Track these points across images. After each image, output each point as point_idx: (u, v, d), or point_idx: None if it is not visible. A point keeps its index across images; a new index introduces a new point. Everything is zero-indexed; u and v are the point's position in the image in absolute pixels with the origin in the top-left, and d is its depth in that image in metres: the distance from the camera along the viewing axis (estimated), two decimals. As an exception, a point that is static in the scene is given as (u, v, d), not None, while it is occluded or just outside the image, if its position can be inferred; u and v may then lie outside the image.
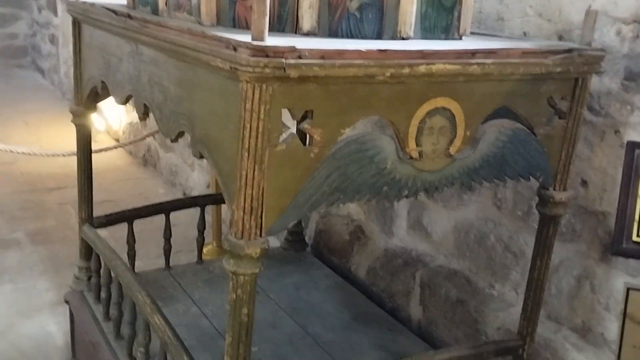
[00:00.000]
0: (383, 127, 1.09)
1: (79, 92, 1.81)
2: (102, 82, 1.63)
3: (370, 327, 1.90)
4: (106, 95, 1.68)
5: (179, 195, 3.84)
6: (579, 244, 1.55)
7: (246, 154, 0.96)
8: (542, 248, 1.41)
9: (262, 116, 0.95)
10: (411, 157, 1.13)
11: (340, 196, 1.08)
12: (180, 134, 1.24)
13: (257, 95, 0.94)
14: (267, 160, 0.98)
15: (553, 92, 1.28)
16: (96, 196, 3.49)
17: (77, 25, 1.76)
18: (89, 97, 1.78)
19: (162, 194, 3.97)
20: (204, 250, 2.91)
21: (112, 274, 1.77)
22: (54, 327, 2.34)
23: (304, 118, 1.01)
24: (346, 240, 2.28)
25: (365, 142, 1.07)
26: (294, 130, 1.03)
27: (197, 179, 3.61)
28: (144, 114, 1.40)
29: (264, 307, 1.96)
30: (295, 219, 1.06)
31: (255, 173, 0.97)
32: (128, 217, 2.02)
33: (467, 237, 1.84)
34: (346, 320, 1.93)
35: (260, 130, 0.95)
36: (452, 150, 1.18)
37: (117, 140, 4.93)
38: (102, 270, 1.80)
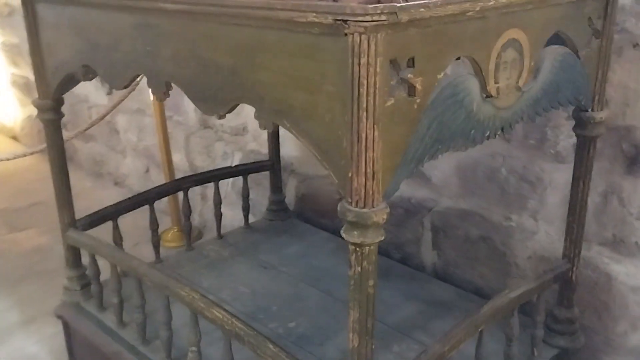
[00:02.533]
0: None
1: (44, 82, 1.59)
2: (85, 66, 1.44)
3: (392, 280, 1.87)
4: (88, 79, 1.49)
5: (110, 186, 3.60)
6: (600, 162, 1.58)
7: (364, 114, 0.87)
8: (584, 170, 1.43)
9: (378, 70, 0.86)
10: (490, 95, 1.09)
11: (439, 147, 1.02)
12: (233, 108, 1.12)
13: (372, 47, 0.84)
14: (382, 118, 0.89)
15: (592, 12, 1.27)
16: (19, 200, 3.21)
17: (29, 5, 1.54)
18: (59, 86, 1.58)
19: (90, 187, 3.70)
20: (168, 236, 2.77)
21: (118, 275, 1.62)
22: (34, 347, 2.11)
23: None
24: (336, 200, 2.20)
25: (456, 85, 1.01)
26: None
27: (132, 165, 3.38)
28: (164, 94, 1.25)
29: (281, 282, 1.87)
30: (405, 177, 0.99)
31: (375, 134, 0.88)
32: (113, 213, 1.83)
33: (475, 175, 1.84)
34: (366, 278, 1.88)
35: (377, 85, 0.86)
36: (521, 82, 1.15)
37: (14, 137, 4.51)
38: (110, 275, 1.62)
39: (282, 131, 2.25)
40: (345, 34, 0.86)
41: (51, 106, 1.63)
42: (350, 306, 0.99)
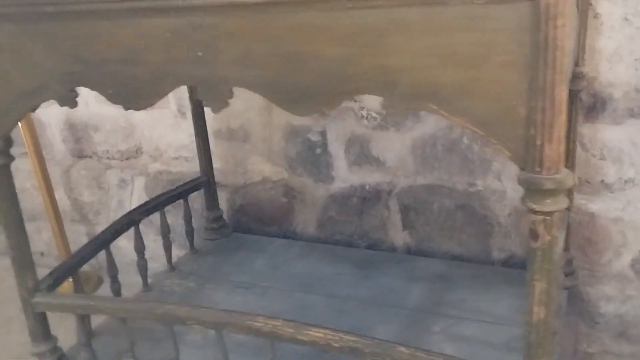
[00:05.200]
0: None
1: (-8, 121, 1.29)
2: (73, 91, 1.20)
3: (380, 267, 1.86)
4: (74, 106, 1.23)
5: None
6: (558, 115, 1.74)
7: (559, 77, 0.86)
8: (571, 123, 1.56)
9: (568, 30, 0.86)
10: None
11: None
12: (340, 103, 1.02)
13: (568, 7, 0.84)
14: (559, 80, 0.89)
15: (582, -25, 1.40)
16: None
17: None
18: (14, 122, 1.29)
19: None
20: (63, 286, 2.40)
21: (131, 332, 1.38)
22: None
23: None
24: (284, 203, 2.13)
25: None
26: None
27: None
28: (225, 103, 1.09)
29: (273, 298, 1.75)
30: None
31: (565, 97, 0.88)
32: (75, 265, 1.55)
33: (434, 150, 1.90)
34: (355, 273, 1.85)
35: (568, 45, 0.86)
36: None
37: None
38: (122, 334, 1.37)
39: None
40: (530, -2, 0.84)
41: (1, 148, 1.32)
42: (535, 278, 0.97)
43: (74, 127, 2.46)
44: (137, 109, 1.16)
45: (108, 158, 2.44)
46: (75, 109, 2.37)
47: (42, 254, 2.72)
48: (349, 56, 0.97)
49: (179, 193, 1.95)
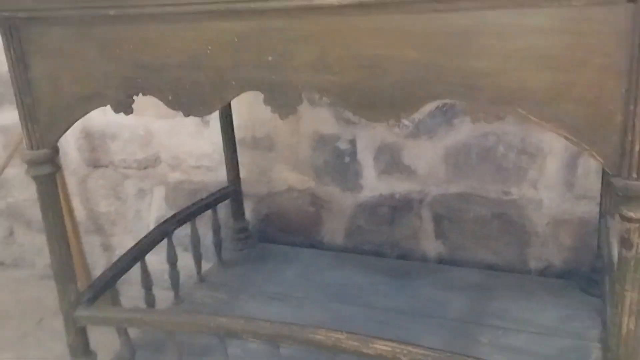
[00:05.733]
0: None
1: (39, 128, 1.24)
2: (129, 96, 1.16)
3: (415, 279, 1.83)
4: (130, 112, 1.19)
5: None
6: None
7: (658, 79, 0.84)
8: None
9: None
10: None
11: None
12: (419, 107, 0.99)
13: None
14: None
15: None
16: None
17: (10, 29, 1.19)
18: (64, 129, 1.24)
19: None
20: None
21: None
22: None
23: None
24: (311, 212, 2.09)
25: None
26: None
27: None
28: (294, 109, 1.05)
29: (309, 308, 1.71)
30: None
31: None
32: (112, 278, 1.50)
33: (468, 158, 1.88)
34: (390, 283, 1.82)
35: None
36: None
37: None
38: (170, 346, 1.32)
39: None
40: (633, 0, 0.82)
41: (49, 157, 1.27)
42: (627, 289, 0.94)
43: (91, 135, 2.40)
44: (199, 115, 1.12)
45: (125, 167, 2.39)
46: (92, 117, 2.30)
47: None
48: (431, 60, 0.95)
49: (207, 203, 1.90)
